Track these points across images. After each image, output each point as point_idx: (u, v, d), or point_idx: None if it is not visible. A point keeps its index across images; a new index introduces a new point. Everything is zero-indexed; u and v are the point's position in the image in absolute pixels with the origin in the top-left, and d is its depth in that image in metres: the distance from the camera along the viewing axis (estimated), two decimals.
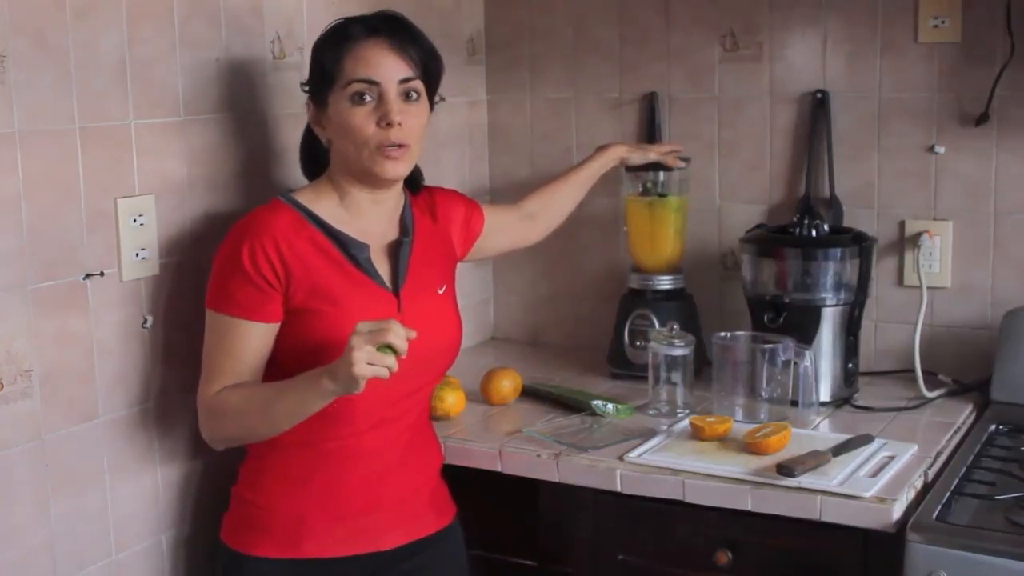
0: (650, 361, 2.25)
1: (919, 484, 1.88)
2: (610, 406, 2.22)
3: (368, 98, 1.82)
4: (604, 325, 2.57)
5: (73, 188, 1.82)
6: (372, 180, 1.86)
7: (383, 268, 1.89)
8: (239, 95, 2.10)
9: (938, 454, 2.00)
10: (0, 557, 1.75)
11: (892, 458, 1.94)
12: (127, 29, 1.89)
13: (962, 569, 1.67)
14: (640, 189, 2.49)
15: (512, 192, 2.42)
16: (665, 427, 2.14)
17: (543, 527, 2.10)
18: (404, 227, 1.95)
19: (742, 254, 2.35)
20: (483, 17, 2.77)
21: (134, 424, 1.95)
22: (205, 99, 2.03)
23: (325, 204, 1.88)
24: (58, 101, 1.79)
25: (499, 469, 2.08)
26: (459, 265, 2.10)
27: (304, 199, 1.88)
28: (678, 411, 2.22)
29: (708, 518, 1.92)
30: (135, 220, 1.92)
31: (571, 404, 2.28)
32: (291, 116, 2.15)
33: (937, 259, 2.39)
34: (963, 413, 2.21)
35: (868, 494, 1.80)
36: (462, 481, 2.05)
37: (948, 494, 1.83)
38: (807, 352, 2.15)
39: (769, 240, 2.33)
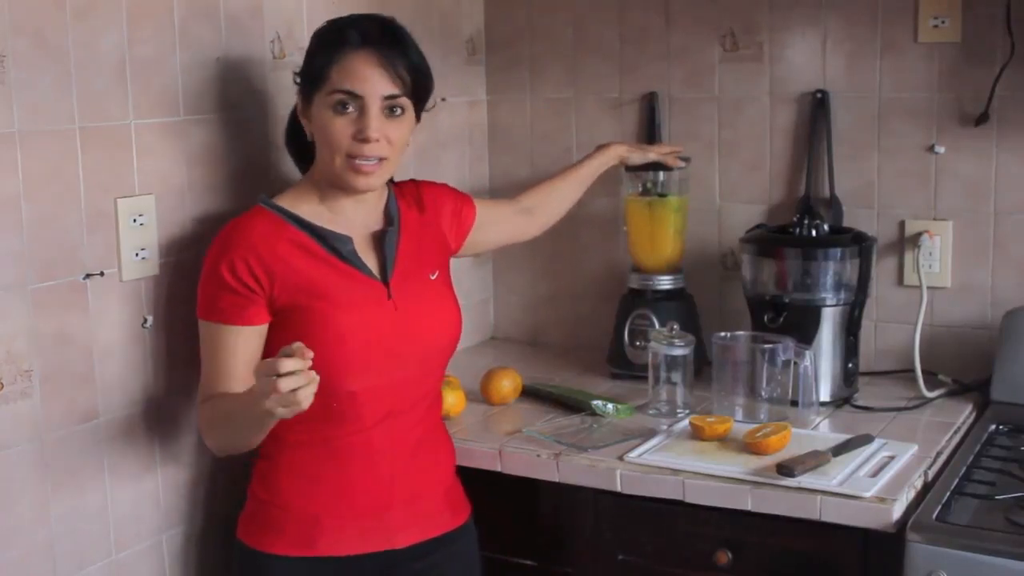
0: (650, 361, 2.25)
1: (919, 484, 1.88)
2: (610, 406, 2.22)
3: (350, 108, 1.82)
4: (604, 325, 2.57)
5: (73, 188, 1.82)
6: (345, 187, 1.87)
7: (369, 259, 1.90)
8: (239, 95, 2.10)
9: (938, 454, 2.00)
10: (0, 557, 1.75)
11: (892, 458, 1.94)
12: (127, 29, 1.89)
13: (962, 569, 1.67)
14: (640, 189, 2.49)
15: (512, 192, 2.42)
16: (665, 427, 2.14)
17: (543, 527, 2.10)
18: (389, 217, 1.95)
19: (742, 254, 2.35)
20: (483, 17, 2.77)
21: (134, 424, 1.95)
22: (205, 99, 2.03)
23: (306, 205, 1.89)
24: (58, 101, 1.79)
25: (499, 469, 2.08)
26: (459, 264, 2.11)
27: (284, 202, 1.89)
28: (678, 411, 2.22)
29: (708, 518, 1.92)
30: (135, 220, 1.92)
31: (571, 404, 2.28)
32: None
33: (937, 259, 2.39)
34: (963, 413, 2.21)
35: (868, 494, 1.80)
36: (462, 481, 2.05)
37: (948, 494, 1.83)
38: (807, 352, 2.15)
39: (769, 240, 2.33)
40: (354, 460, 1.87)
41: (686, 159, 2.45)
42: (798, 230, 2.32)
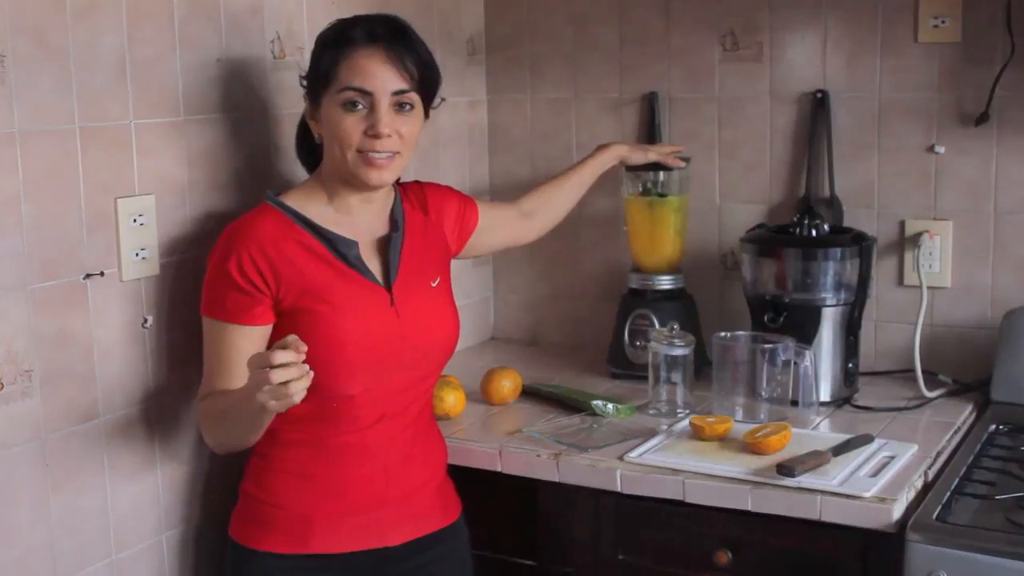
0: (650, 361, 2.25)
1: (919, 484, 1.88)
2: (610, 406, 2.22)
3: (360, 106, 1.82)
4: (604, 325, 2.57)
5: (73, 188, 1.82)
6: (357, 183, 1.87)
7: (373, 264, 1.90)
8: (239, 95, 2.10)
9: (938, 454, 2.00)
10: (0, 557, 1.75)
11: (892, 458, 1.94)
12: (127, 29, 1.89)
13: (962, 569, 1.67)
14: (640, 189, 2.49)
15: (512, 192, 2.42)
16: (665, 427, 2.14)
17: (543, 527, 2.10)
18: (394, 222, 1.95)
19: (742, 254, 2.35)
20: (483, 17, 2.77)
21: (134, 424, 1.95)
22: (205, 99, 2.03)
23: (314, 205, 1.89)
24: (58, 101, 1.79)
25: (499, 469, 2.08)
26: (459, 265, 2.11)
27: (292, 201, 1.88)
28: (678, 411, 2.22)
29: (708, 518, 1.92)
30: (135, 220, 1.92)
31: (571, 404, 2.28)
32: (291, 116, 2.15)
33: (937, 259, 2.39)
34: (963, 413, 2.21)
35: (868, 494, 1.80)
36: (462, 481, 2.05)
37: (948, 494, 1.83)
38: (807, 352, 2.15)
39: (769, 240, 2.33)
40: (348, 459, 1.87)
41: (686, 159, 2.45)
42: (798, 230, 2.32)
